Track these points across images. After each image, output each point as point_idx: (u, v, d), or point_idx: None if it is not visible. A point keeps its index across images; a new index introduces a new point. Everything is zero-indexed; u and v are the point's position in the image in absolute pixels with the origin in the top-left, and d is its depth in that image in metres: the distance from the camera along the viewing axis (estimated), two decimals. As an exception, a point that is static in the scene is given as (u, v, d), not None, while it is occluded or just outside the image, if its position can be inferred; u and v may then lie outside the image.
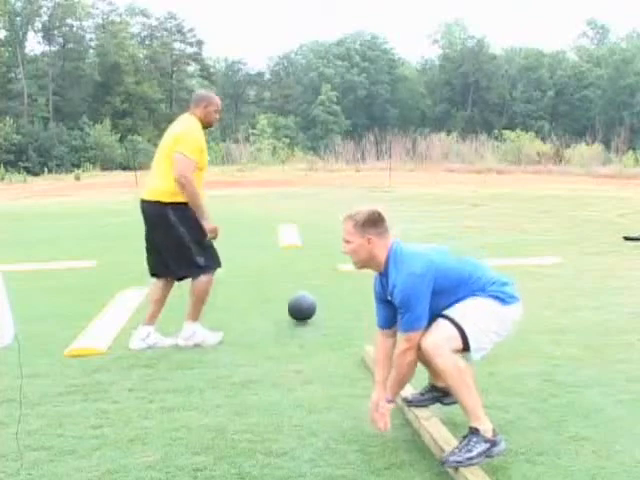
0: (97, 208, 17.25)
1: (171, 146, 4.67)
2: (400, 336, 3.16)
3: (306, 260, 8.74)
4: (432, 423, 3.29)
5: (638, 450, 3.12)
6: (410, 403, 3.56)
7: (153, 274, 4.98)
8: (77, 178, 33.34)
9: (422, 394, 3.58)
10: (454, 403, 3.31)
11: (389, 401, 3.21)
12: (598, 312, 5.80)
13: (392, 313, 3.23)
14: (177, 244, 4.71)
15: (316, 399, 3.82)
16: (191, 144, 4.64)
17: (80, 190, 25.28)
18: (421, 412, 3.44)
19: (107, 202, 19.16)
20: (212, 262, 4.85)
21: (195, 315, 4.89)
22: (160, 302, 4.94)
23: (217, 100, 4.91)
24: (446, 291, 3.13)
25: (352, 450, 3.16)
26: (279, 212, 14.86)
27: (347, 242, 3.19)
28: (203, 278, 4.80)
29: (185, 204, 4.67)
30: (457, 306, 3.13)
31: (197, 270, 4.78)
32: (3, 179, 34.01)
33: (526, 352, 4.64)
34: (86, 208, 17.40)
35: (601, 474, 2.90)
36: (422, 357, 3.14)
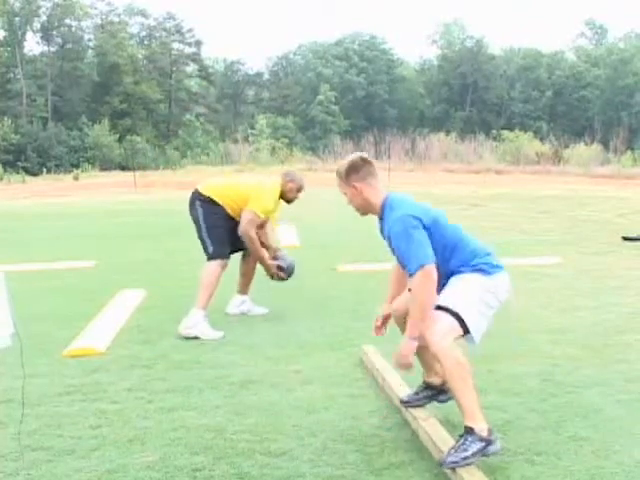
0: (96, 208, 17.25)
1: (250, 200, 5.36)
2: (411, 277, 3.09)
3: (305, 260, 8.72)
4: (430, 423, 3.29)
5: (637, 450, 3.12)
6: (407, 404, 3.57)
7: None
8: (76, 178, 33.35)
9: (417, 393, 3.59)
10: (450, 399, 3.33)
11: (413, 339, 3.09)
12: (597, 312, 5.80)
13: None
14: (198, 230, 5.40)
15: (315, 399, 3.82)
16: (265, 207, 5.40)
17: (79, 190, 25.29)
18: (419, 412, 3.44)
19: (106, 202, 19.16)
20: (219, 252, 5.30)
21: (200, 301, 5.18)
22: (243, 274, 5.78)
23: (302, 182, 5.62)
24: (447, 248, 3.18)
25: (351, 450, 3.16)
26: (278, 212, 14.84)
27: (344, 194, 3.40)
28: (211, 266, 5.28)
29: (215, 203, 5.36)
30: (448, 292, 3.14)
31: (208, 256, 5.34)
32: (2, 179, 34.01)
33: (525, 352, 4.64)
34: (85, 208, 17.40)
35: (600, 474, 2.90)
36: (417, 350, 3.16)
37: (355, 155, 3.43)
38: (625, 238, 10.22)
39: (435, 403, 3.56)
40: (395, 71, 66.82)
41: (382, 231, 3.36)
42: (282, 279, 5.72)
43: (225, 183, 5.60)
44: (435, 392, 3.54)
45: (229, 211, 5.39)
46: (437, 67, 67.99)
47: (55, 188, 27.16)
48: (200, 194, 5.43)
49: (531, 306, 6.04)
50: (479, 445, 2.92)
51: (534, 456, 3.07)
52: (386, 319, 3.56)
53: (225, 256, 5.38)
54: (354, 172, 3.31)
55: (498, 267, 3.26)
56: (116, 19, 57.23)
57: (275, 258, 5.69)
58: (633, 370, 4.24)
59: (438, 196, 19.20)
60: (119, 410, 3.69)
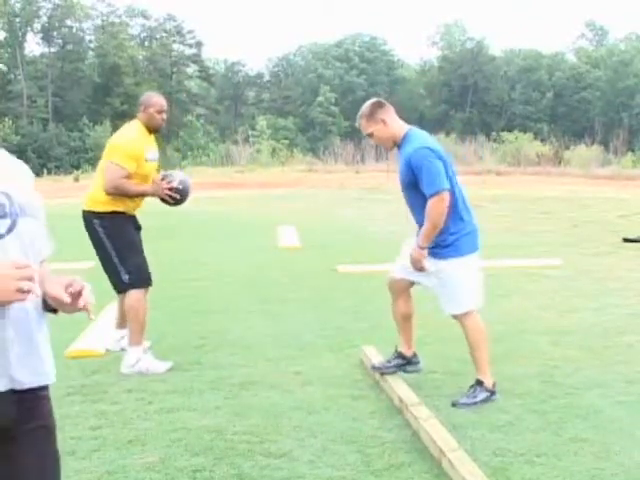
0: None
1: (106, 155, 4.50)
2: (429, 200, 3.59)
3: (305, 261, 8.74)
4: (431, 424, 3.29)
5: (637, 451, 3.12)
6: (377, 369, 4.01)
7: None
8: (76, 179, 33.38)
9: (388, 361, 4.01)
10: (415, 372, 3.99)
11: (421, 247, 3.64)
12: (597, 313, 5.80)
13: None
14: (104, 257, 4.53)
15: (315, 400, 3.82)
16: (125, 152, 4.41)
17: (79, 191, 25.25)
18: (420, 413, 3.44)
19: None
20: (138, 279, 4.48)
21: (134, 338, 4.46)
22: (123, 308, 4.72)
23: (157, 100, 4.56)
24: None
25: (351, 451, 3.16)
26: (278, 213, 14.85)
27: (370, 135, 3.73)
28: (132, 295, 4.47)
29: (111, 214, 4.45)
30: (449, 296, 3.75)
31: (123, 286, 4.50)
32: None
33: (525, 353, 4.64)
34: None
35: (600, 475, 2.90)
36: (399, 322, 3.92)
37: (373, 99, 3.82)
38: (626, 239, 10.21)
39: (435, 403, 3.58)
40: (395, 72, 66.83)
41: (399, 160, 3.76)
42: (178, 201, 4.57)
43: (94, 180, 4.65)
44: (405, 362, 3.98)
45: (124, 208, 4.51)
46: (437, 68, 67.95)
47: (55, 189, 27.15)
48: (89, 212, 4.53)
49: (531, 307, 6.04)
50: (485, 394, 3.66)
51: (534, 457, 3.07)
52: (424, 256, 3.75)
53: (146, 282, 4.58)
54: (379, 108, 3.68)
55: (473, 247, 3.79)
56: (117, 20, 57.22)
57: (162, 181, 4.56)
58: (633, 371, 4.24)
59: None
60: (119, 411, 3.69)
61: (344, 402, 3.79)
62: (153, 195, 4.52)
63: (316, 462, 3.05)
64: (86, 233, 4.59)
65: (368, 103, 3.77)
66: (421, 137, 3.70)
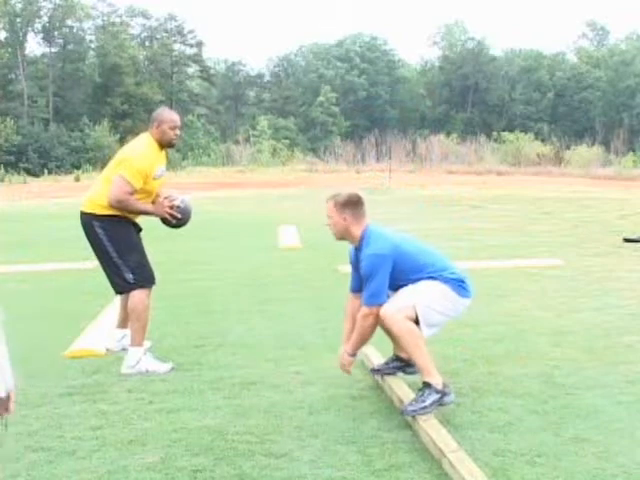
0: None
1: (115, 166, 4.44)
2: (363, 306, 3.67)
3: (306, 261, 8.74)
4: (431, 425, 3.29)
5: (638, 452, 3.12)
6: (377, 372, 4.02)
7: None
8: (77, 179, 33.38)
9: (387, 363, 4.02)
10: (415, 373, 3.81)
11: (350, 355, 3.79)
12: (598, 313, 5.80)
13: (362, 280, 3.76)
14: (104, 258, 4.49)
15: (316, 400, 3.82)
16: (135, 168, 4.36)
17: (80, 191, 25.27)
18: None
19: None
20: (142, 279, 4.47)
21: (136, 338, 4.43)
22: (125, 307, 4.71)
23: (171, 116, 4.51)
24: (403, 272, 3.65)
25: (352, 451, 3.16)
26: (279, 213, 14.86)
27: (329, 217, 3.80)
28: (135, 295, 4.44)
29: (111, 217, 4.41)
30: (411, 287, 3.64)
31: (127, 286, 4.46)
32: (3, 180, 34.02)
33: (526, 353, 4.64)
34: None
35: (601, 476, 2.90)
36: (384, 326, 3.67)
37: (354, 193, 3.85)
38: (626, 240, 10.21)
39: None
40: (396, 72, 66.81)
41: (354, 259, 3.84)
42: (179, 221, 4.60)
43: (97, 184, 4.59)
44: (403, 364, 3.95)
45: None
46: (438, 68, 67.97)
47: (56, 189, 27.17)
48: (88, 214, 4.48)
49: (532, 308, 6.04)
50: (435, 397, 3.44)
51: (535, 457, 3.06)
52: (350, 363, 3.88)
53: (150, 281, 4.56)
54: (351, 207, 3.74)
55: (462, 289, 3.69)
56: (117, 20, 57.25)
57: (165, 199, 4.60)
58: (634, 372, 4.23)
59: (439, 197, 19.21)
60: (120, 411, 3.69)
61: (345, 402, 3.79)
62: (155, 214, 4.52)
63: (317, 462, 3.05)
64: (84, 234, 4.56)
65: (345, 195, 3.77)
66: (377, 240, 3.67)
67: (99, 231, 4.43)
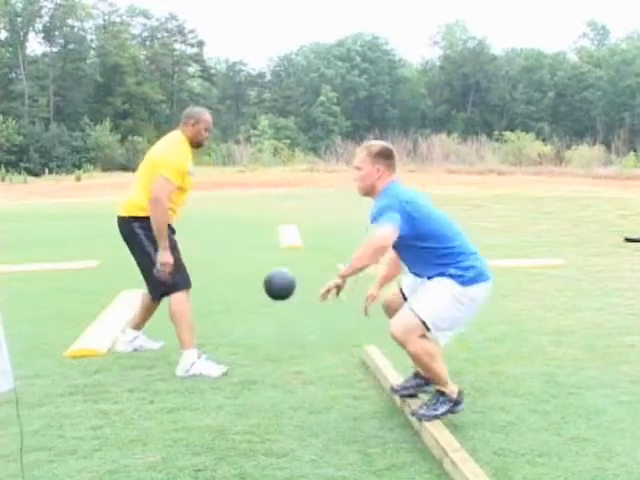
0: (98, 209, 17.25)
1: (152, 167, 4.43)
2: (376, 231, 3.34)
3: (307, 261, 8.73)
4: (433, 424, 3.28)
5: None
6: (397, 392, 3.70)
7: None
8: (78, 179, 33.39)
9: (407, 381, 3.75)
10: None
11: (341, 276, 3.41)
12: (600, 313, 5.79)
13: None
14: (145, 261, 4.44)
15: (317, 400, 3.81)
16: (175, 167, 4.38)
17: (81, 191, 25.29)
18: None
19: (108, 203, 19.15)
20: (182, 280, 4.47)
21: (185, 341, 4.42)
22: (146, 310, 4.78)
23: (207, 118, 4.55)
24: (420, 237, 3.37)
25: (353, 451, 3.16)
26: (280, 213, 14.85)
27: (358, 169, 3.51)
28: (175, 298, 4.43)
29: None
30: (420, 295, 3.39)
31: (166, 289, 4.44)
32: (4, 180, 34.04)
33: (528, 353, 4.63)
34: (87, 209, 17.41)
35: (602, 475, 2.89)
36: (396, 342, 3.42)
37: (388, 144, 3.62)
38: (628, 239, 10.20)
39: (423, 393, 3.58)
40: (397, 72, 66.81)
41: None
42: (280, 292, 4.25)
43: (135, 186, 4.56)
44: (424, 381, 3.68)
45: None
46: (439, 68, 67.97)
47: (57, 189, 27.18)
48: (128, 217, 4.48)
49: (533, 307, 6.04)
50: (448, 406, 3.38)
51: (536, 457, 3.06)
52: (372, 299, 3.84)
53: (188, 284, 4.56)
54: (383, 157, 3.50)
55: (476, 279, 3.41)
56: (118, 20, 57.31)
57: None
58: (636, 371, 4.23)
59: (440, 197, 19.16)
60: (121, 411, 3.69)
61: (346, 402, 3.79)
62: (162, 251, 4.33)
63: (318, 462, 3.04)
64: (122, 240, 4.54)
65: (380, 145, 3.58)
66: (397, 190, 3.49)
67: (139, 232, 4.41)
